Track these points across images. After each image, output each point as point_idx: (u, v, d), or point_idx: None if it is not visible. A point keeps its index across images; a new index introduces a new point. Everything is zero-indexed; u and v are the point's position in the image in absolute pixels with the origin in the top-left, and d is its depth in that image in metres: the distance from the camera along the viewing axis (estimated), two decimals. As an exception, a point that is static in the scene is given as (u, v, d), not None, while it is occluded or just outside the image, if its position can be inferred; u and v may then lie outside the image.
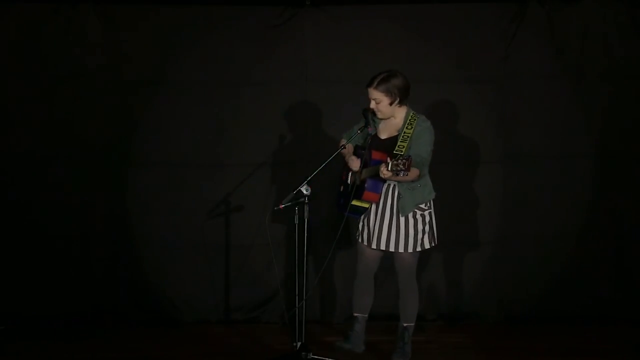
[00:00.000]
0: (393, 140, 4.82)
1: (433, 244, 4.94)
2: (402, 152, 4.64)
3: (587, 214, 6.11)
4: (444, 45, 6.18)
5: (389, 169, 4.49)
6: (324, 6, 6.18)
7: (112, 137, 6.20)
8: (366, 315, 5.07)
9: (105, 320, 6.06)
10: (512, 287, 6.13)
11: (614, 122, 6.11)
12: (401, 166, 4.44)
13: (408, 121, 4.83)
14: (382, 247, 4.85)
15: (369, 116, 4.81)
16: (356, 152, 4.96)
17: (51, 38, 6.17)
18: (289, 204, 4.66)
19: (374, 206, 4.86)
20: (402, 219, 4.80)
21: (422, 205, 4.84)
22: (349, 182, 4.98)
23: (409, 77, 6.14)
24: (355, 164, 4.88)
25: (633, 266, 6.08)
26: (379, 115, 4.82)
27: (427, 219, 4.87)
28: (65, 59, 6.17)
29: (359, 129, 4.89)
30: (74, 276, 6.13)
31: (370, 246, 4.89)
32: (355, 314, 5.09)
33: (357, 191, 4.78)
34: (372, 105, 4.82)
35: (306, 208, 4.67)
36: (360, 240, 5.00)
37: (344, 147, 4.88)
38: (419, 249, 4.86)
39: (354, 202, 4.82)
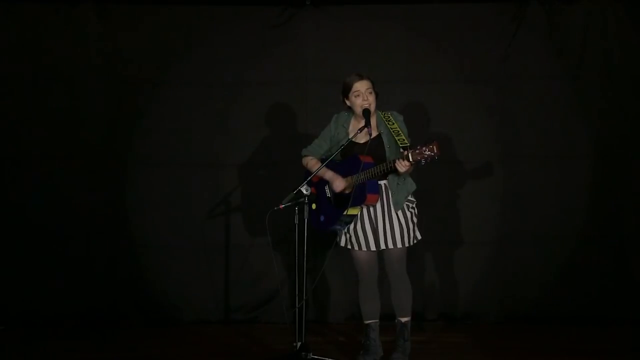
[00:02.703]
0: (377, 141, 4.79)
1: (420, 236, 4.92)
2: (406, 143, 4.62)
3: (587, 214, 6.11)
4: (444, 45, 6.18)
5: (411, 159, 4.49)
6: (324, 6, 6.19)
7: (112, 137, 6.21)
8: (377, 320, 5.02)
9: (105, 320, 6.06)
10: (512, 287, 6.13)
11: (614, 122, 6.11)
12: (427, 152, 4.44)
13: (384, 118, 4.81)
14: (382, 246, 4.82)
15: (369, 117, 4.78)
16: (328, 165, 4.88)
17: (51, 38, 6.17)
18: (289, 204, 4.65)
19: (364, 210, 4.84)
20: (394, 215, 4.78)
21: (411, 198, 4.84)
22: (328, 195, 4.92)
23: (409, 77, 6.20)
24: (341, 183, 4.79)
25: (633, 266, 6.07)
26: (371, 107, 4.78)
27: (415, 212, 4.87)
28: (65, 59, 6.18)
29: (359, 129, 4.83)
30: (74, 276, 6.13)
31: (369, 249, 4.86)
32: (367, 322, 4.97)
33: (356, 198, 4.71)
34: (362, 99, 4.77)
35: (306, 208, 4.66)
36: (355, 247, 4.90)
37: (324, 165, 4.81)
38: (414, 241, 4.86)
39: (350, 212, 4.77)
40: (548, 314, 6.07)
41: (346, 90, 4.85)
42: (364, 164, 4.68)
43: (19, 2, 6.16)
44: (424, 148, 4.47)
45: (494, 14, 6.16)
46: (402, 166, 4.55)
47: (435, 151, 4.44)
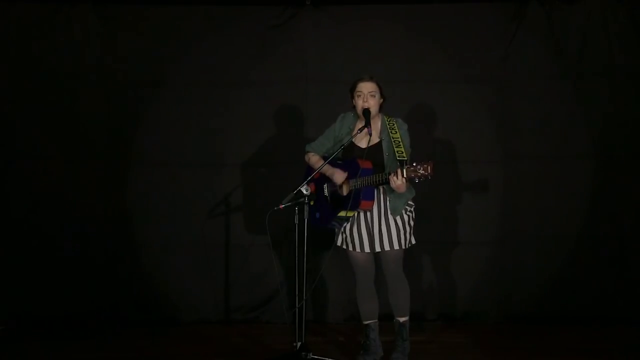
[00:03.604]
0: (377, 147, 4.80)
1: (415, 241, 4.93)
2: (404, 157, 4.61)
3: (587, 213, 6.11)
4: (444, 45, 6.18)
5: (405, 175, 4.49)
6: (324, 6, 6.19)
7: (112, 137, 6.21)
8: (376, 320, 5.03)
9: (105, 320, 6.06)
10: (512, 287, 6.13)
11: (614, 122, 6.11)
12: (421, 171, 4.43)
13: (388, 125, 4.81)
14: (377, 248, 4.81)
15: (369, 117, 4.78)
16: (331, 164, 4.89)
17: (51, 38, 6.17)
18: (289, 204, 4.65)
19: (360, 212, 4.84)
20: (391, 220, 4.78)
21: (409, 202, 4.84)
22: (326, 194, 4.93)
23: (409, 77, 6.20)
24: (341, 175, 4.84)
25: (633, 266, 6.07)
26: (372, 109, 4.79)
27: (413, 215, 4.88)
28: (65, 59, 6.18)
29: (359, 129, 4.83)
30: (74, 276, 6.13)
31: (363, 250, 4.86)
32: (366, 322, 4.99)
33: (353, 201, 4.72)
34: (362, 101, 4.77)
35: (306, 208, 4.66)
36: (350, 248, 4.91)
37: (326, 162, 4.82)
38: (409, 245, 4.86)
39: (348, 214, 4.77)
40: (548, 314, 6.07)
41: (352, 89, 4.88)
42: (362, 170, 4.68)
43: (19, 2, 6.16)
44: (418, 167, 4.44)
45: (494, 14, 6.16)
46: (394, 182, 4.54)
47: (429, 171, 4.42)
